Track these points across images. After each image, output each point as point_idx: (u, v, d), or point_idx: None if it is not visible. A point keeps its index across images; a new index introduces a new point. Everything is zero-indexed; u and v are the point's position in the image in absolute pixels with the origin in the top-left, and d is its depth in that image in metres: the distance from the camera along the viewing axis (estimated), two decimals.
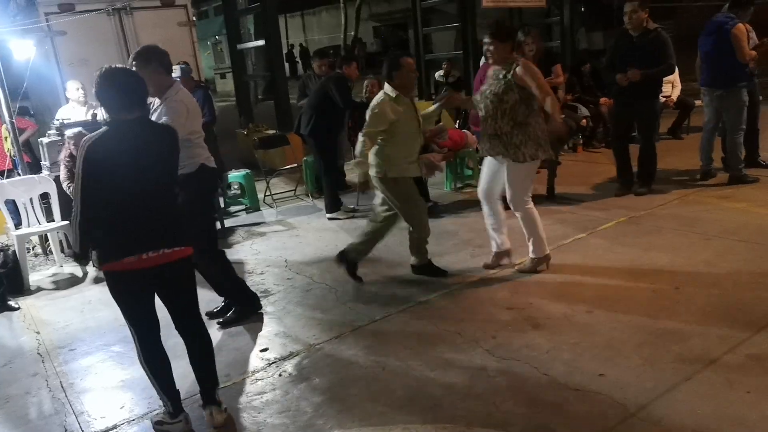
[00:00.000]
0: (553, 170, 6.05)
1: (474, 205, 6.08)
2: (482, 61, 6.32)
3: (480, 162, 6.52)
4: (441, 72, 10.67)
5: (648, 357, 3.00)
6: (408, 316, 3.74)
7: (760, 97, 6.28)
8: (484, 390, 2.85)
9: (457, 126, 8.10)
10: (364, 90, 6.30)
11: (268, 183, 6.99)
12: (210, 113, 6.39)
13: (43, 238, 5.75)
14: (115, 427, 2.89)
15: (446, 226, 5.48)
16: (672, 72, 5.74)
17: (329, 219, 6.03)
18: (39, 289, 4.96)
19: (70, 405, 3.13)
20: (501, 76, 3.96)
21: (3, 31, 5.94)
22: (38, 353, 3.75)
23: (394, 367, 3.13)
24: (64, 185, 4.99)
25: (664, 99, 8.14)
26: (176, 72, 6.33)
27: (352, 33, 16.09)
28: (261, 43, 9.71)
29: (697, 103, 7.95)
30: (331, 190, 6.14)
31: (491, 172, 4.20)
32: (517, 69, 3.87)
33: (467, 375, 2.99)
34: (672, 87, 8.24)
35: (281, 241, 5.57)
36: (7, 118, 5.59)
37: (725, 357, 2.93)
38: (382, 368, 3.13)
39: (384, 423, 2.67)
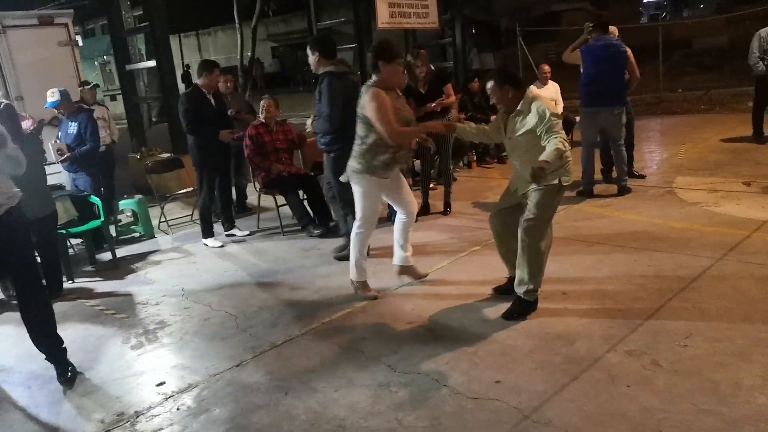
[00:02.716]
0: (449, 186, 6.27)
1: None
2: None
3: None
4: None
5: (540, 361, 3.17)
6: (311, 337, 3.72)
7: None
8: (387, 406, 2.88)
9: None
10: (260, 110, 6.23)
11: (162, 209, 6.72)
12: (93, 139, 6.06)
13: None
14: None
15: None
16: (327, 128, 4.66)
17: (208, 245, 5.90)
18: None
19: None
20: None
21: None
22: None
23: (297, 390, 3.10)
24: None
25: None
26: (54, 96, 5.98)
27: (249, 53, 15.87)
28: (152, 63, 9.38)
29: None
30: (203, 212, 5.95)
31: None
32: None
33: (370, 392, 3.01)
34: (555, 104, 8.81)
35: (178, 268, 5.37)
36: None
37: (607, 355, 3.15)
38: (285, 393, 3.09)
39: None
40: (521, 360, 3.19)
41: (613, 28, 6.49)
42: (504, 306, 3.81)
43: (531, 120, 3.54)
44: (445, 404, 2.86)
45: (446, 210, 6.23)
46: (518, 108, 3.62)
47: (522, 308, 3.70)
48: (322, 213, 5.99)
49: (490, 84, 3.69)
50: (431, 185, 6.65)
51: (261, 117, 6.21)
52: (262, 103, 6.26)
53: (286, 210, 6.13)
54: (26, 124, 5.09)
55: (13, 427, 3.07)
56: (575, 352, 3.22)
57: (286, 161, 6.16)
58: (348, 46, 11.64)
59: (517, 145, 3.69)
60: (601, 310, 3.68)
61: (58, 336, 3.53)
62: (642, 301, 3.74)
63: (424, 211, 6.25)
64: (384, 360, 3.31)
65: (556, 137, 3.39)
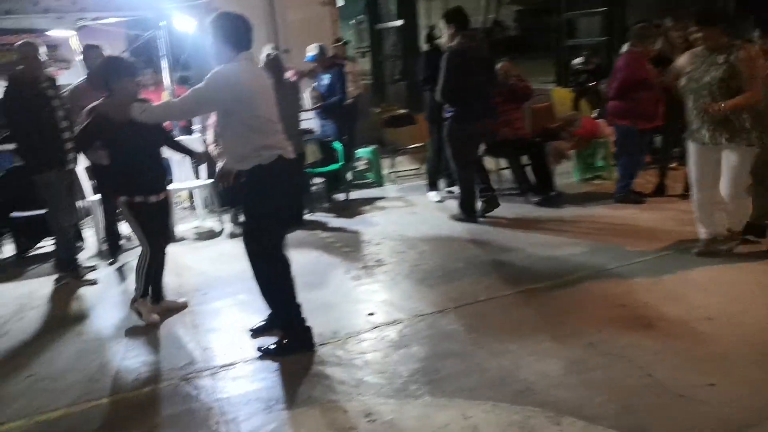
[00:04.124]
0: None
1: (601, 198, 5.88)
2: (624, 48, 6.03)
3: (615, 156, 6.28)
4: (581, 59, 10.23)
5: (767, 375, 2.79)
6: (512, 300, 3.75)
7: None
8: (580, 381, 2.82)
9: (595, 116, 7.81)
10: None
11: (393, 160, 7.21)
12: (342, 91, 6.68)
13: (190, 194, 6.42)
14: (232, 364, 3.23)
15: (567, 217, 5.35)
16: (438, 99, 5.32)
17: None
18: (183, 238, 5.55)
19: (199, 341, 3.54)
20: (720, 61, 3.90)
21: (170, 6, 6.57)
22: (178, 293, 4.23)
23: (491, 347, 3.18)
24: (210, 147, 5.50)
25: None
26: (314, 50, 6.72)
27: (492, 16, 15.76)
28: (399, 23, 9.90)
29: None
30: (430, 166, 6.10)
31: (706, 162, 4.09)
32: (741, 53, 3.83)
33: (564, 364, 2.96)
34: None
35: (399, 216, 5.76)
36: (169, 86, 6.25)
37: None
38: (480, 346, 3.19)
39: (473, 398, 2.74)
40: (744, 367, 2.84)
41: None
42: (733, 305, 3.41)
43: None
44: (644, 394, 2.70)
45: (686, 192, 5.63)
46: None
47: None
48: (543, 181, 5.87)
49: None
50: (673, 164, 6.05)
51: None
52: (497, 66, 6.25)
53: (507, 173, 6.14)
54: (289, 74, 5.81)
55: (236, 335, 3.66)
56: None
57: (514, 124, 6.10)
58: (598, 9, 10.93)
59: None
60: None
61: None
62: None
63: (659, 191, 5.76)
64: (585, 337, 3.21)
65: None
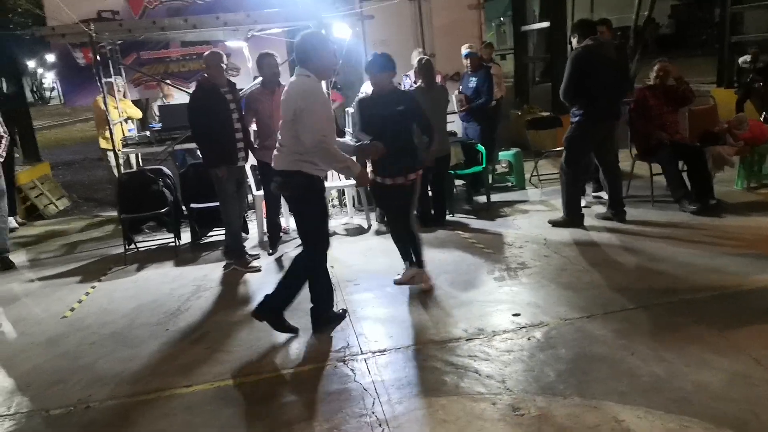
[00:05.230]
0: None
1: (767, 208, 5.41)
2: None
3: None
4: (747, 57, 9.42)
5: None
6: (665, 310, 3.62)
7: None
8: (743, 396, 2.68)
9: (763, 119, 7.20)
10: (653, 73, 5.96)
11: (536, 163, 7.14)
12: (488, 93, 6.75)
13: (341, 193, 6.83)
14: (384, 350, 3.46)
15: (728, 227, 5.01)
16: (561, 98, 5.39)
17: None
18: (333, 233, 5.93)
19: (353, 327, 3.81)
20: None
21: (329, 16, 7.04)
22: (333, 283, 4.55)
23: (643, 354, 3.11)
24: None
25: None
26: (470, 48, 6.89)
27: (646, 13, 14.84)
28: (545, 24, 9.76)
29: None
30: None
31: None
32: None
33: (725, 377, 2.83)
34: None
35: (542, 220, 5.71)
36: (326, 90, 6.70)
37: None
38: (630, 353, 3.14)
39: (625, 402, 2.71)
40: None
41: None
42: None
43: None
44: None
45: None
46: None
47: None
48: (701, 188, 5.52)
49: None
50: None
51: (651, 81, 5.96)
52: (655, 66, 6.00)
53: (659, 180, 5.85)
54: (437, 79, 5.99)
55: (401, 318, 3.88)
56: None
57: (669, 127, 5.80)
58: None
59: None
60: None
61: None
62: None
63: None
64: (748, 351, 3.04)
65: None
